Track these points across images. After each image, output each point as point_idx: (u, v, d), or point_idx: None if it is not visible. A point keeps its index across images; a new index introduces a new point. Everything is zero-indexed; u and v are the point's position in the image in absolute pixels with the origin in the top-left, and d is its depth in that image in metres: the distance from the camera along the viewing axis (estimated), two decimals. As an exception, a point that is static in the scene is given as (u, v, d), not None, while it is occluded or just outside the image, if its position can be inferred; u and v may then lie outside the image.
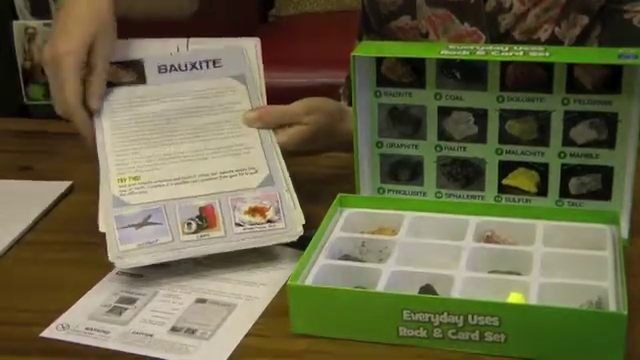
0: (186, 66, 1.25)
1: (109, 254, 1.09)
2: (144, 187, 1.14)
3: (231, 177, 1.16)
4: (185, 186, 1.15)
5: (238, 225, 1.11)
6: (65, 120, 1.17)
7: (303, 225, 1.12)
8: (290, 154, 1.19)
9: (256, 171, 1.16)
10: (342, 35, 1.76)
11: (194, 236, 1.10)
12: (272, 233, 1.11)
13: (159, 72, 1.24)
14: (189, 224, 1.11)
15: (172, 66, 1.24)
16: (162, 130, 1.20)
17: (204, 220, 1.12)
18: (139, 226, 1.11)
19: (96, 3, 1.18)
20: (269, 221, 1.12)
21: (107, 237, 1.10)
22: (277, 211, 1.13)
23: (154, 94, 1.22)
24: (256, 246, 1.11)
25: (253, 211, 1.13)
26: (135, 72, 1.23)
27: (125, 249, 1.09)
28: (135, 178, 1.15)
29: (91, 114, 1.18)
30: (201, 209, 1.13)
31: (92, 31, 1.16)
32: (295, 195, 1.14)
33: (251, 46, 1.27)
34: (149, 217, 1.11)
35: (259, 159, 1.18)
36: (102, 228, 1.11)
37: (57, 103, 1.16)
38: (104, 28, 1.18)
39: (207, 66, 1.25)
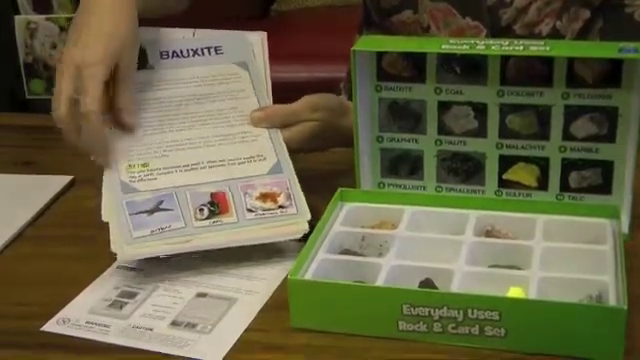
0: (188, 52, 1.25)
1: (112, 245, 1.08)
2: (153, 174, 1.14)
3: (240, 164, 1.16)
4: (194, 173, 1.15)
5: (250, 211, 1.11)
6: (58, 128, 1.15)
7: (308, 221, 1.12)
8: (293, 152, 1.19)
9: (264, 158, 1.17)
10: (344, 30, 1.76)
11: (207, 222, 1.10)
12: (284, 218, 1.11)
13: (161, 58, 1.24)
14: (201, 210, 1.11)
15: (174, 52, 1.25)
16: (168, 117, 1.20)
17: (216, 206, 1.12)
18: (151, 212, 1.11)
19: (124, 12, 1.17)
20: (280, 207, 1.12)
21: (112, 226, 1.10)
22: (288, 197, 1.13)
23: (158, 80, 1.22)
24: (269, 241, 1.11)
25: (264, 197, 1.13)
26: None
27: (138, 235, 1.08)
28: (144, 165, 1.15)
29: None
30: (212, 195, 1.13)
31: (120, 44, 1.15)
32: (301, 191, 1.14)
33: (257, 40, 1.28)
34: (161, 203, 1.11)
35: (266, 146, 1.18)
36: (105, 217, 1.11)
37: (64, 106, 1.12)
38: (131, 41, 1.17)
39: (209, 52, 1.25)
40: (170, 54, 1.25)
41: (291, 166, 1.16)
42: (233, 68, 1.24)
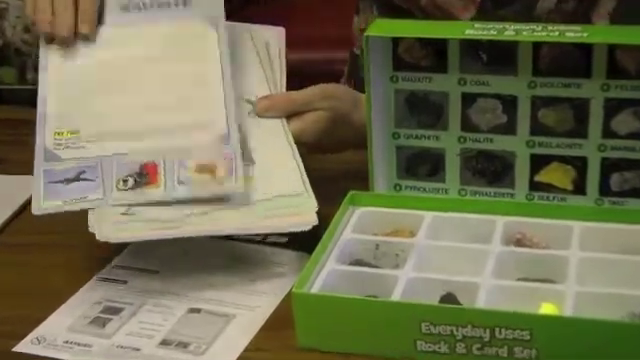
0: (152, 4, 1.26)
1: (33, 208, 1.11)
2: (82, 142, 1.16)
3: (183, 132, 1.17)
4: (129, 141, 1.16)
5: (182, 183, 1.12)
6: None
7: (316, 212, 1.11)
8: (305, 148, 1.20)
9: (213, 127, 1.17)
10: (342, 14, 1.76)
11: (128, 193, 1.12)
12: (218, 189, 1.12)
13: (120, 10, 1.25)
14: (125, 181, 1.13)
15: (136, 4, 1.25)
16: (114, 80, 1.21)
17: (143, 177, 1.13)
18: (69, 182, 1.13)
19: None
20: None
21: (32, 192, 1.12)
22: (230, 171, 1.13)
23: (113, 37, 1.24)
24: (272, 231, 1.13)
25: (201, 168, 1.13)
26: None
27: (49, 205, 1.10)
28: (73, 132, 1.17)
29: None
30: (142, 166, 1.14)
31: None
32: (308, 181, 1.14)
33: (274, 36, 1.29)
34: (82, 173, 1.13)
35: (217, 116, 1.18)
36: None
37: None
38: None
39: (176, 4, 1.26)
40: (131, 6, 1.25)
41: (297, 169, 1.16)
42: (200, 25, 1.24)
